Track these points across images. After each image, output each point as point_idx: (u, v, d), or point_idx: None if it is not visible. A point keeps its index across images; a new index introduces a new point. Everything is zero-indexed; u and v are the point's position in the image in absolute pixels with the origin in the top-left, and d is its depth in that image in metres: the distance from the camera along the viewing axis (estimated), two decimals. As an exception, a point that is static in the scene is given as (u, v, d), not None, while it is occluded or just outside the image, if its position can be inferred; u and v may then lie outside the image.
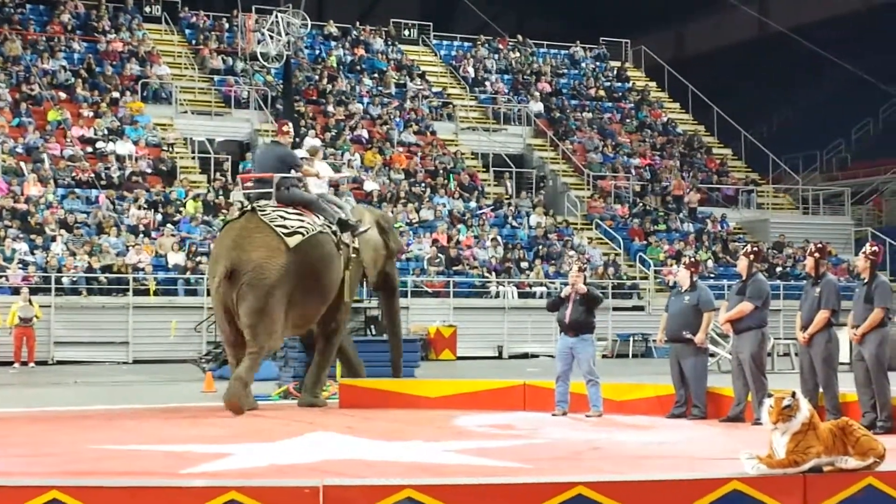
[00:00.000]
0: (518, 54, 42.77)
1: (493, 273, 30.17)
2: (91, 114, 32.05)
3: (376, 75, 38.76)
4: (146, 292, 26.40)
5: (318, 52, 39.16)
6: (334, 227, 14.51)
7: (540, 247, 31.78)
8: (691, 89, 41.69)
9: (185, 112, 34.28)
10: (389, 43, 41.01)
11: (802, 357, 11.94)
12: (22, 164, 29.23)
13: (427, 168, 34.36)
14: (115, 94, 33.13)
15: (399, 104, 37.37)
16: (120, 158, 30.65)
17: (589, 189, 36.12)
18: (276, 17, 30.50)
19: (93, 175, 29.43)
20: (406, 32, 42.41)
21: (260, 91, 35.16)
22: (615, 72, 44.03)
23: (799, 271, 31.20)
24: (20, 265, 25.70)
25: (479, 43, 42.59)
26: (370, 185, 32.11)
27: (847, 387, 11.81)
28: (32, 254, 26.23)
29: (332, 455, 9.69)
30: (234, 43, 37.24)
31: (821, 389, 11.66)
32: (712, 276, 30.36)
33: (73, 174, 29.40)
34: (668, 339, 13.18)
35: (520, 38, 43.76)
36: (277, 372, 17.80)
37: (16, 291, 24.81)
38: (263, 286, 13.45)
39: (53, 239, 26.71)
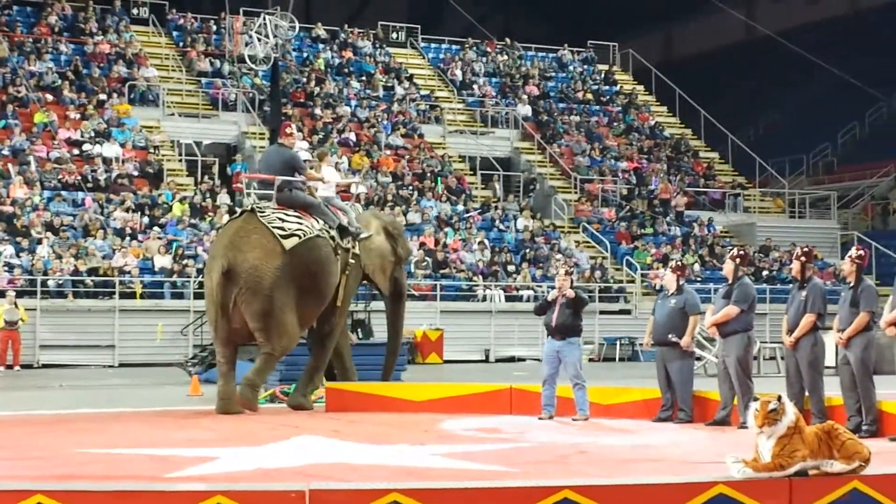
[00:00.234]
0: (506, 57, 42.79)
1: (480, 276, 30.17)
2: (78, 116, 31.97)
3: (364, 78, 38.75)
4: (132, 295, 26.33)
5: (305, 54, 39.13)
6: (333, 232, 14.61)
7: (527, 250, 31.79)
8: (678, 93, 41.76)
9: (173, 114, 34.20)
10: (377, 46, 41.01)
11: (788, 361, 11.97)
12: (8, 166, 29.13)
13: (414, 171, 34.35)
14: (102, 96, 33.06)
15: (387, 107, 37.37)
16: (107, 161, 30.57)
17: (576, 192, 36.15)
18: (264, 19, 30.39)
19: (79, 177, 29.35)
20: (394, 35, 42.43)
21: (247, 93, 35.12)
22: (603, 75, 44.09)
23: (785, 275, 31.26)
24: (6, 268, 25.60)
25: (466, 46, 42.61)
26: (358, 188, 32.07)
27: (833, 390, 11.84)
28: (18, 256, 26.13)
29: (318, 459, 9.68)
30: (222, 45, 37.19)
31: (806, 393, 11.69)
32: (699, 279, 30.39)
33: (60, 176, 29.32)
34: (655, 343, 13.21)
35: (507, 41, 43.81)
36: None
37: (1, 294, 24.66)
38: (263, 289, 13.66)
39: (39, 241, 26.62)
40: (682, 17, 52.86)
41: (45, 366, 24.95)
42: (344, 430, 11.93)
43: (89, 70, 34.29)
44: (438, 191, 33.70)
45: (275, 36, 31.41)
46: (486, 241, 31.57)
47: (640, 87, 44.17)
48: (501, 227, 33.09)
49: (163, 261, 27.08)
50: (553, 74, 43.06)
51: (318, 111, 35.79)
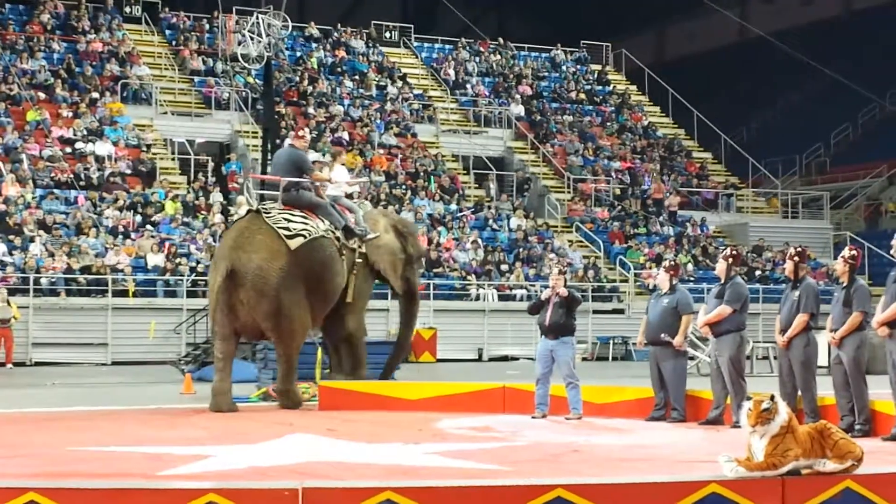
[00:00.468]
0: (499, 57, 42.80)
1: (474, 275, 30.18)
2: (70, 114, 31.91)
3: (357, 77, 38.75)
4: (125, 293, 26.30)
5: (298, 53, 39.11)
6: (338, 233, 14.67)
7: (520, 249, 31.80)
8: (672, 93, 41.81)
9: (165, 113, 34.16)
10: (370, 45, 41.00)
11: (781, 360, 11.98)
12: (0, 164, 29.08)
13: (408, 170, 34.35)
14: (95, 95, 33.01)
15: (380, 106, 37.36)
16: (99, 159, 30.52)
17: (569, 192, 36.17)
18: (257, 18, 30.31)
19: (72, 176, 29.30)
20: (387, 34, 42.40)
21: (240, 92, 35.09)
22: (596, 75, 44.12)
23: (778, 275, 31.32)
24: (-2, 266, 25.59)
25: (460, 45, 42.61)
26: (351, 188, 32.02)
27: (825, 390, 11.85)
28: (11, 254, 26.08)
29: (311, 457, 9.67)
30: (215, 44, 37.15)
31: (799, 393, 11.70)
32: (692, 279, 30.44)
33: (52, 175, 29.27)
34: (648, 342, 13.21)
35: (501, 40, 43.84)
36: (257, 373, 17.77)
37: (-6, 292, 24.68)
38: (269, 290, 13.77)
39: (32, 240, 26.57)
40: (676, 17, 52.93)
41: (37, 364, 24.89)
42: (338, 429, 11.92)
43: (82, 68, 34.23)
44: (431, 190, 33.70)
45: (268, 35, 31.36)
46: (479, 241, 31.56)
47: (633, 87, 44.22)
48: (495, 226, 33.10)
49: (155, 259, 27.04)
50: (546, 74, 43.08)
51: (311, 110, 35.77)
